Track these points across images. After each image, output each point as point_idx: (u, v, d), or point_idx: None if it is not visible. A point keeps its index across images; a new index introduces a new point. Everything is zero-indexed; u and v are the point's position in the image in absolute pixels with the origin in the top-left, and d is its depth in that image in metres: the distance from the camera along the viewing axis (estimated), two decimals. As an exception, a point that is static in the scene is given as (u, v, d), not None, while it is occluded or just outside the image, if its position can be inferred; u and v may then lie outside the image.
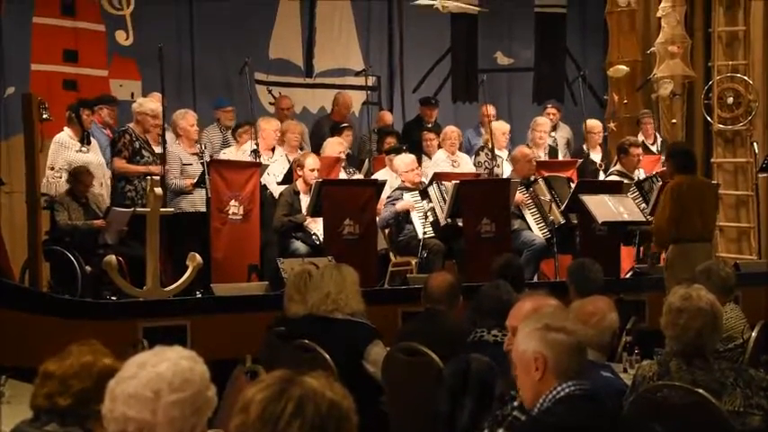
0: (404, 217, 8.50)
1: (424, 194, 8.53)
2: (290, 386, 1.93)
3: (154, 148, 8.22)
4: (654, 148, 10.53)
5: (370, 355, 4.87)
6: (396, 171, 8.84)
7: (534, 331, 2.89)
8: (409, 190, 8.59)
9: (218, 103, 9.94)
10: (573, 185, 8.96)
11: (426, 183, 8.73)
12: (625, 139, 9.73)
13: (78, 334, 6.34)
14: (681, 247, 6.90)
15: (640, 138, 10.50)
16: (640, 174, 9.42)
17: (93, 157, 8.25)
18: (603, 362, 3.99)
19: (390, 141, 10.00)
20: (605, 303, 4.14)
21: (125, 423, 2.09)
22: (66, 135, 8.23)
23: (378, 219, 8.35)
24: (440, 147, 9.86)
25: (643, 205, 8.47)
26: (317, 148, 9.42)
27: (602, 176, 9.72)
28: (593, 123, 10.53)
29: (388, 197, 8.58)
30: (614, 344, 4.15)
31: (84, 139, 8.23)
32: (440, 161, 9.60)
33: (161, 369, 2.11)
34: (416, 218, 8.45)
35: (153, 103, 8.27)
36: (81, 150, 8.20)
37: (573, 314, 3.97)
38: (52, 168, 8.16)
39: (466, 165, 9.69)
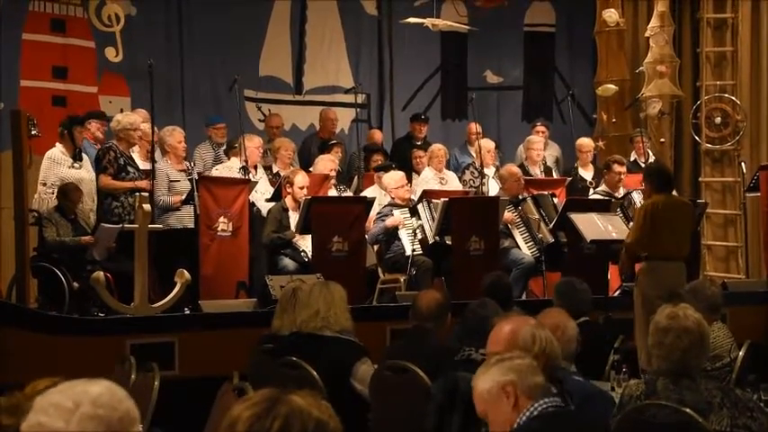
0: (393, 234, 8.51)
1: (414, 212, 8.55)
2: (277, 404, 1.93)
3: (140, 163, 8.21)
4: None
5: (357, 373, 4.86)
6: (385, 188, 8.86)
7: (490, 368, 3.06)
8: (399, 207, 8.60)
9: (209, 121, 9.95)
10: (556, 201, 9.01)
11: (415, 200, 8.75)
12: (610, 156, 9.79)
13: (65, 350, 6.35)
14: (651, 264, 6.91)
15: (633, 156, 10.55)
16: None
17: (86, 173, 8.23)
18: (572, 369, 4.08)
19: (377, 159, 10.03)
20: (561, 315, 4.24)
21: (37, 429, 2.04)
22: (58, 151, 8.22)
23: (367, 235, 8.36)
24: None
25: (631, 223, 8.51)
26: (304, 166, 9.44)
27: (592, 194, 9.75)
28: (584, 141, 10.56)
29: (378, 213, 8.60)
30: (578, 349, 4.22)
31: (77, 156, 8.22)
32: (428, 179, 9.63)
33: (91, 388, 2.08)
34: (405, 235, 8.46)
35: (131, 117, 8.27)
36: (73, 166, 8.20)
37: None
38: (44, 184, 8.14)
39: (453, 182, 9.71)
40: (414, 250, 8.35)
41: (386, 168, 9.22)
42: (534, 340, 3.53)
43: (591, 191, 9.83)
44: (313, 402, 1.95)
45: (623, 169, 9.42)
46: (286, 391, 1.96)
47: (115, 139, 8.10)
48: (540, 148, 10.23)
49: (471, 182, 9.68)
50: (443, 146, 10.10)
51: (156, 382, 4.45)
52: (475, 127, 9.92)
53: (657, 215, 6.89)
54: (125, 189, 7.90)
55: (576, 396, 3.64)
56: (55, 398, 2.06)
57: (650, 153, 10.67)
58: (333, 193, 8.94)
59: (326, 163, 9.14)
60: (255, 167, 8.96)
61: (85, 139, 8.60)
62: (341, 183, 9.40)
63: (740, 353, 5.31)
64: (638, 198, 8.90)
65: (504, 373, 3.03)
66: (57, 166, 8.15)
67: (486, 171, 9.61)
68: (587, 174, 10.33)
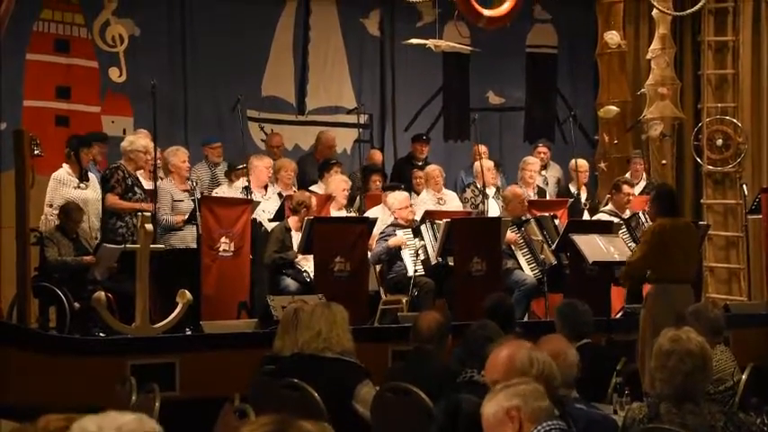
0: (395, 254, 8.50)
1: (416, 232, 8.54)
2: (286, 427, 1.93)
3: (145, 184, 8.22)
4: (636, 190, 10.52)
5: (359, 395, 4.84)
6: (389, 208, 8.85)
7: (497, 394, 3.07)
8: (402, 227, 8.60)
9: (206, 140, 9.94)
10: (557, 223, 9.01)
11: (418, 221, 8.74)
12: (620, 177, 9.83)
13: (66, 371, 6.33)
14: (660, 287, 6.89)
15: (627, 176, 10.55)
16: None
17: (92, 193, 8.24)
18: (574, 395, 4.03)
19: (376, 179, 10.03)
20: (561, 341, 4.22)
21: None
22: (64, 172, 8.23)
23: (369, 254, 8.35)
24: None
25: (632, 244, 8.50)
26: (300, 186, 9.40)
27: (586, 216, 9.76)
28: (580, 162, 10.59)
29: (381, 233, 8.59)
30: (578, 375, 4.18)
31: (83, 176, 8.24)
32: (426, 200, 9.61)
33: (122, 417, 2.09)
34: (407, 256, 8.45)
35: (143, 140, 8.28)
36: (79, 187, 8.20)
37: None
38: (50, 205, 8.13)
39: (452, 202, 9.69)
40: (416, 271, 8.35)
41: (394, 188, 9.22)
42: (532, 363, 3.52)
43: (585, 213, 9.84)
44: (320, 429, 1.95)
45: (632, 190, 9.45)
46: (294, 417, 1.97)
47: (124, 159, 8.09)
48: (535, 170, 10.21)
49: (472, 200, 9.67)
50: (442, 167, 10.09)
51: (156, 403, 4.44)
52: (478, 148, 9.91)
53: (666, 238, 6.88)
54: (131, 209, 7.88)
55: (581, 422, 3.63)
56: (85, 422, 2.09)
57: (644, 175, 10.69)
58: (343, 214, 8.94)
59: (340, 183, 9.14)
60: (266, 187, 8.95)
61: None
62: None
63: (743, 376, 5.29)
64: (644, 218, 8.92)
65: (509, 398, 3.04)
66: (63, 187, 8.16)
67: (487, 191, 9.61)
68: (582, 195, 10.35)
